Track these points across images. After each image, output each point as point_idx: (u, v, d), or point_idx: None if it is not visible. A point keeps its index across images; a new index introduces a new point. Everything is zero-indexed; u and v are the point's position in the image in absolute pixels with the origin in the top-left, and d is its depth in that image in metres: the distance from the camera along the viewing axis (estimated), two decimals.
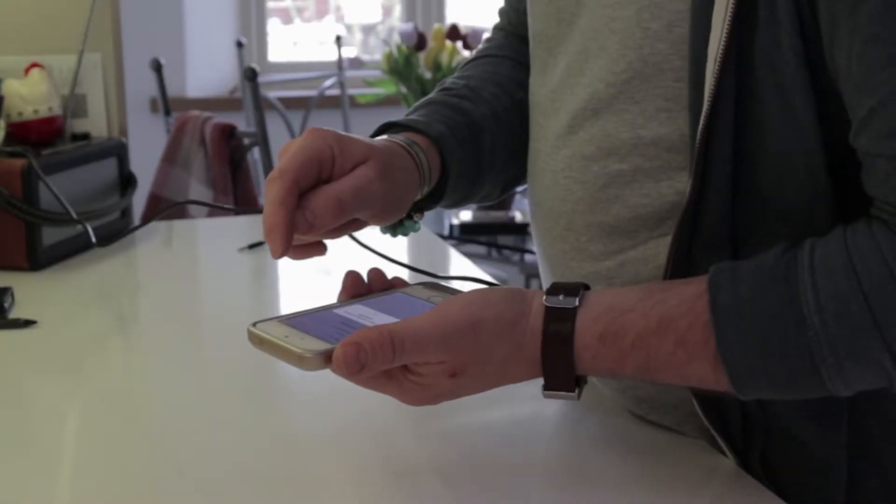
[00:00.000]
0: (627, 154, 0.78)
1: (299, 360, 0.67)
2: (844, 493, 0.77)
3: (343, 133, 0.76)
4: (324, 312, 0.74)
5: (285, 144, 0.76)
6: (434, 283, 0.80)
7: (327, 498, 0.77)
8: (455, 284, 0.84)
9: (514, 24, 1.03)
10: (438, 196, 0.87)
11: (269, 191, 0.71)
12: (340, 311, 0.74)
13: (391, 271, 0.82)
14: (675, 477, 0.79)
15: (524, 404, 0.93)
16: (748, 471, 0.79)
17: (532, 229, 0.93)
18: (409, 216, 0.85)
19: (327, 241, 0.78)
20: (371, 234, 0.88)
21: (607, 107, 0.79)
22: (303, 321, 0.72)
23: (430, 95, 0.93)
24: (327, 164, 0.73)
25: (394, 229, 0.86)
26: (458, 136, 0.87)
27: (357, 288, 0.77)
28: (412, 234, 0.88)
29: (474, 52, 1.05)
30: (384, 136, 0.84)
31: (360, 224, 0.79)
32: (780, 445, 0.78)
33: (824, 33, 0.66)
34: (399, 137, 0.83)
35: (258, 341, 0.70)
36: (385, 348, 0.67)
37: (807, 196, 0.70)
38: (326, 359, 0.67)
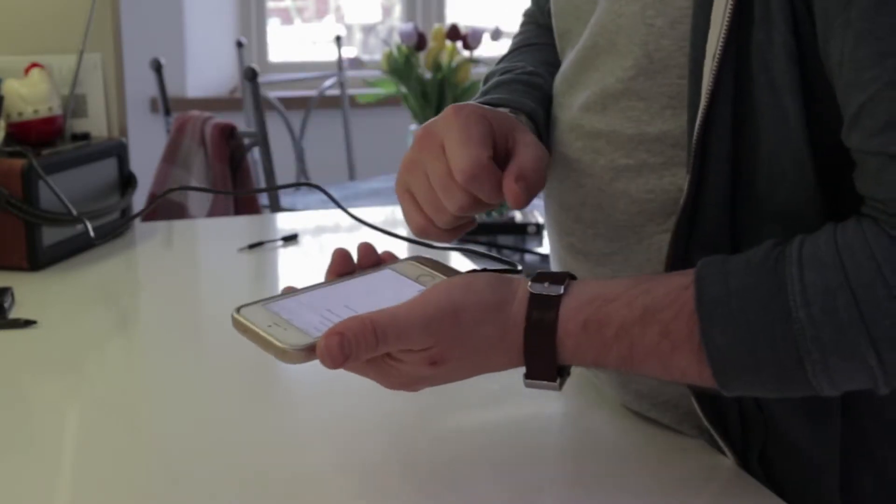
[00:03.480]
0: (633, 149, 0.78)
1: (282, 354, 0.68)
2: (839, 493, 0.76)
3: (486, 107, 0.77)
4: (308, 295, 0.73)
5: (426, 130, 0.75)
6: (423, 257, 0.79)
7: (326, 496, 0.77)
8: (449, 256, 0.82)
9: (542, 21, 1.03)
10: None
11: (463, 153, 0.72)
12: (325, 294, 0.73)
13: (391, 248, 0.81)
14: (675, 477, 0.79)
15: (524, 404, 0.93)
16: (748, 470, 0.79)
17: (545, 221, 0.93)
18: None
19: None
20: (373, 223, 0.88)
21: (614, 102, 0.79)
22: (287, 306, 0.71)
23: (498, 78, 0.93)
24: (494, 139, 0.75)
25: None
26: (544, 111, 0.88)
27: (345, 265, 0.76)
28: (411, 232, 0.88)
29: (512, 43, 1.04)
30: None
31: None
32: (777, 445, 0.78)
33: (818, 30, 0.66)
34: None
35: (242, 328, 0.70)
36: (368, 337, 0.67)
37: (797, 197, 0.70)
38: (309, 352, 0.67)
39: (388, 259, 0.78)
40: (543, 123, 0.88)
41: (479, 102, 0.86)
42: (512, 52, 1.02)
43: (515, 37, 1.05)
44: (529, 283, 0.71)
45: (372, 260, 0.77)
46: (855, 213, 0.67)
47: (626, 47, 0.77)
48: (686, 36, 0.73)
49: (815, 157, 0.69)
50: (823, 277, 0.64)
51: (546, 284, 0.70)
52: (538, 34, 1.02)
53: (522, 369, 0.72)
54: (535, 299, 0.70)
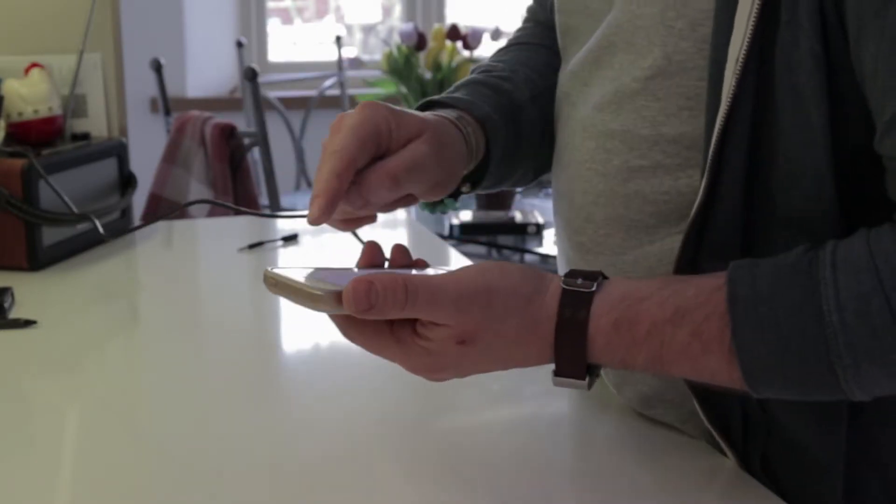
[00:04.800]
0: (648, 150, 0.78)
1: (312, 299, 0.67)
2: (842, 496, 0.76)
3: (397, 107, 0.77)
4: (341, 270, 0.73)
5: (339, 117, 0.76)
6: (452, 269, 0.79)
7: (325, 495, 0.77)
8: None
9: (542, 17, 1.03)
10: (480, 177, 0.87)
11: (325, 163, 0.72)
12: (356, 273, 0.72)
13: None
14: (677, 478, 0.79)
15: (525, 405, 0.93)
16: (750, 472, 0.79)
17: (554, 220, 0.93)
18: (452, 193, 0.85)
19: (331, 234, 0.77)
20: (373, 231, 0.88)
21: (630, 102, 0.79)
22: (320, 272, 0.71)
23: (471, 76, 0.93)
24: (384, 140, 0.74)
25: (433, 206, 0.87)
26: (501, 116, 0.88)
27: (376, 257, 0.75)
28: (412, 233, 0.88)
29: (507, 41, 1.05)
30: (430, 113, 0.83)
31: (412, 199, 0.79)
32: (780, 447, 0.78)
33: (851, 35, 0.65)
34: (449, 113, 0.83)
35: (273, 283, 0.69)
36: (398, 292, 0.66)
37: (812, 204, 0.70)
38: (338, 298, 0.66)
39: (420, 265, 0.77)
40: (501, 130, 0.87)
41: (441, 98, 0.87)
42: (505, 48, 1.02)
43: (515, 32, 1.06)
44: (562, 278, 0.70)
45: (403, 262, 0.76)
46: (870, 225, 0.66)
47: (645, 48, 0.77)
48: (706, 38, 0.73)
49: (834, 165, 0.68)
50: (857, 281, 0.63)
51: (579, 281, 0.70)
52: (534, 33, 1.02)
53: (531, 370, 0.71)
54: (567, 294, 0.69)
